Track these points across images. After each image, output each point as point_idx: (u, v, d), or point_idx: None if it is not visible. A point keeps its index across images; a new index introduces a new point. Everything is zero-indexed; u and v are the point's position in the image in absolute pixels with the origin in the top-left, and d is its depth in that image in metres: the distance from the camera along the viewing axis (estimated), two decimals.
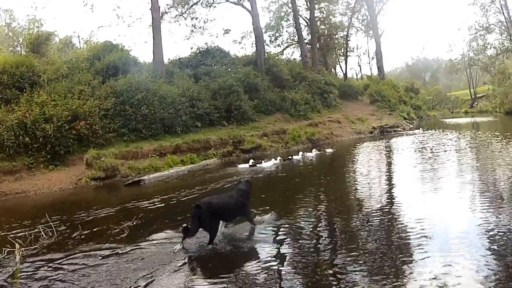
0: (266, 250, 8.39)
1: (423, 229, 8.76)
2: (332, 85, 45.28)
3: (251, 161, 20.71)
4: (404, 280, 6.83)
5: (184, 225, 8.50)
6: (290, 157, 22.19)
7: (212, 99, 30.09)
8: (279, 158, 21.23)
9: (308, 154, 23.28)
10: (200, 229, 8.52)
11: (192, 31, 46.74)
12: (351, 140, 33.03)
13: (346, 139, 33.82)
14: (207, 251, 8.28)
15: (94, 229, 10.45)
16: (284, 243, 8.80)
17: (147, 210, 12.23)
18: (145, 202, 13.39)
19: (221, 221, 8.91)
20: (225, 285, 6.84)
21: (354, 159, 22.13)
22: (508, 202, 10.67)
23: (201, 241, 8.65)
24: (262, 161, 20.82)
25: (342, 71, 66.21)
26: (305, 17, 55.16)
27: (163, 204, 13.07)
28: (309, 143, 29.82)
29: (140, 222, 10.65)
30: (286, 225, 9.73)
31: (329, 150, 24.67)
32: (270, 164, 20.28)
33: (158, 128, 25.00)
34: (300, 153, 22.96)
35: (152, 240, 9.14)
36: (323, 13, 60.74)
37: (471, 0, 67.41)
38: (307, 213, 10.77)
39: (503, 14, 63.09)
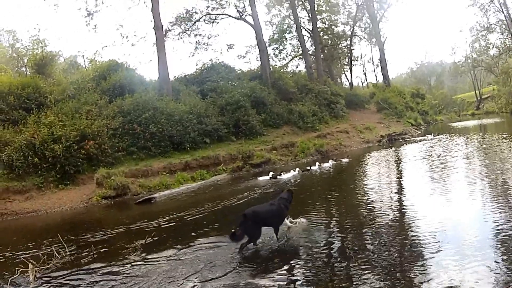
0: (277, 263, 8.48)
1: (436, 240, 8.72)
2: (339, 95, 45.29)
3: (271, 173, 20.83)
4: (416, 283, 6.89)
5: (233, 231, 9.14)
6: (309, 168, 22.37)
7: (220, 115, 30.14)
8: (297, 169, 21.45)
9: (325, 164, 23.20)
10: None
11: (196, 47, 46.90)
12: (359, 149, 32.88)
13: (355, 148, 33.69)
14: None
15: (106, 248, 10.47)
16: (298, 256, 8.86)
17: (159, 229, 12.19)
18: (157, 220, 13.37)
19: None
20: None
21: (366, 169, 22.03)
22: None
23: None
24: (282, 173, 20.98)
25: (348, 80, 66.80)
26: (308, 29, 55.33)
27: (174, 223, 13.03)
28: (318, 155, 29.63)
29: (152, 240, 10.64)
30: (303, 236, 9.90)
31: (345, 160, 24.71)
32: (290, 176, 20.49)
33: (167, 146, 25.08)
34: (317, 163, 23.00)
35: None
36: (325, 23, 61.10)
37: (470, 1, 67.66)
38: (321, 223, 10.88)
39: (503, 13, 63.25)
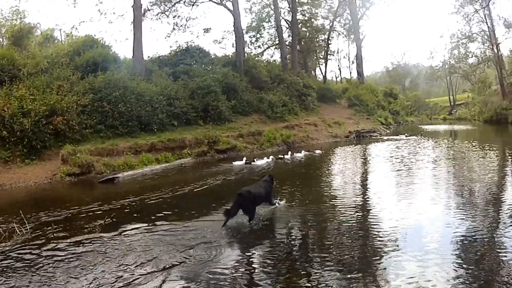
0: (235, 253, 8.84)
1: (396, 240, 9.10)
2: (311, 88, 45.55)
3: (245, 158, 22.04)
4: (379, 283, 7.15)
5: (226, 208, 10.42)
6: (282, 156, 23.55)
7: (190, 98, 30.26)
8: (271, 157, 22.80)
9: (297, 154, 24.46)
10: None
11: (174, 29, 46.66)
12: (326, 143, 33.43)
13: (322, 142, 34.14)
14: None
15: (66, 227, 10.75)
16: (258, 246, 9.26)
17: (119, 210, 12.54)
18: (118, 201, 13.64)
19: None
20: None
21: (334, 162, 23.44)
22: (482, 210, 11.30)
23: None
24: (255, 159, 22.09)
25: (322, 73, 66.80)
26: (287, 19, 55.34)
27: (135, 204, 13.38)
28: (284, 146, 30.17)
29: (111, 221, 11.01)
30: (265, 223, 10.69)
31: (318, 152, 25.80)
32: (264, 162, 21.71)
33: (134, 126, 25.19)
34: (289, 153, 24.21)
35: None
36: (305, 16, 61.01)
37: (453, 9, 67.81)
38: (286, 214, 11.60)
39: (487, 24, 63.04)
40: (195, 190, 15.41)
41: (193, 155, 24.62)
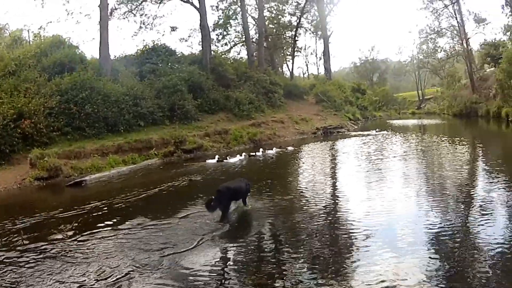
0: (208, 246, 9.21)
1: (369, 233, 9.40)
2: (278, 85, 45.96)
3: (217, 156, 22.87)
4: (351, 279, 7.35)
5: (208, 202, 11.07)
6: (254, 153, 24.47)
7: (156, 98, 30.41)
8: (244, 154, 23.73)
9: (269, 151, 25.48)
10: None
11: (141, 27, 46.63)
12: (294, 140, 33.84)
13: (289, 139, 34.57)
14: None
15: (36, 234, 10.85)
16: (230, 240, 9.76)
17: (86, 214, 12.81)
18: (85, 205, 13.77)
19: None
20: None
21: (304, 158, 24.48)
22: (453, 202, 11.89)
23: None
24: (228, 157, 23.06)
25: (289, 70, 67.15)
26: (254, 17, 55.73)
27: (103, 207, 13.58)
28: (251, 144, 30.64)
29: (78, 225, 11.31)
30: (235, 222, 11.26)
31: (290, 148, 27.14)
32: (236, 160, 22.65)
33: (101, 127, 25.27)
34: (261, 150, 25.18)
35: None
36: (272, 12, 61.63)
37: (422, 4, 68.35)
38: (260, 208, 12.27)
39: (456, 19, 63.73)
40: (164, 191, 15.81)
41: (160, 155, 24.84)
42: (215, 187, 11.78)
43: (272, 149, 25.96)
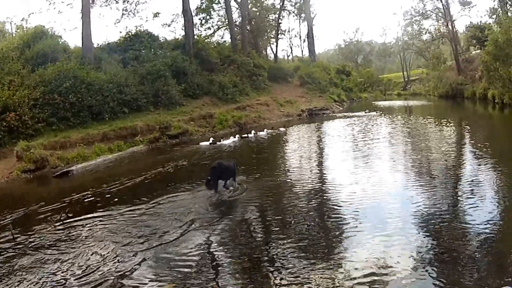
0: (194, 231, 9.34)
1: (358, 217, 9.49)
2: (262, 68, 46.08)
3: (211, 139, 23.66)
4: (339, 261, 7.43)
5: (207, 180, 12.13)
6: (246, 135, 25.31)
7: (140, 84, 30.48)
8: (237, 136, 24.66)
9: (260, 133, 26.46)
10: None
11: (123, 14, 45.87)
12: (279, 123, 33.99)
13: (274, 122, 34.79)
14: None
15: (26, 227, 10.93)
16: (217, 223, 9.90)
17: (74, 204, 12.95)
18: (72, 196, 13.87)
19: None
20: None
21: (292, 139, 25.19)
22: (440, 184, 12.03)
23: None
24: (222, 139, 23.87)
25: (273, 53, 66.68)
26: (237, 0, 54.71)
27: (90, 196, 13.77)
28: (236, 127, 31.02)
29: (67, 216, 11.45)
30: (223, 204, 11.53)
31: (282, 129, 28.10)
32: (230, 141, 23.58)
33: (86, 116, 25.29)
34: (253, 131, 26.01)
35: None
36: None
37: None
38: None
39: (441, 1, 63.44)
40: (149, 178, 15.96)
41: (146, 142, 25.07)
42: (201, 172, 12.70)
43: (263, 131, 26.71)
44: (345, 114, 39.24)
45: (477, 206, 9.72)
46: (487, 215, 9.08)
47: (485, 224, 8.57)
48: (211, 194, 11.97)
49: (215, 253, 8.49)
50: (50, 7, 41.08)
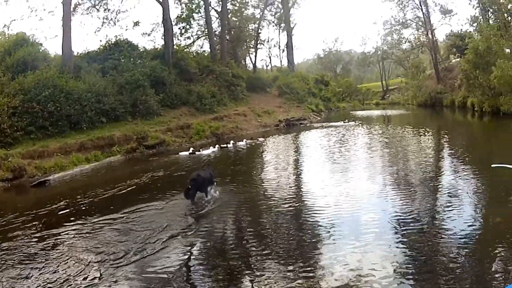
0: (171, 248, 9.20)
1: (335, 225, 9.71)
2: (240, 78, 46.65)
3: (191, 149, 24.03)
4: (317, 270, 7.57)
5: (187, 190, 12.41)
6: (226, 145, 25.81)
7: (118, 94, 30.60)
8: (217, 146, 25.15)
9: (240, 143, 26.95)
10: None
11: (104, 23, 46.25)
12: (256, 133, 34.37)
13: (252, 132, 35.19)
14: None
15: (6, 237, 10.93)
16: (196, 235, 9.95)
17: (51, 214, 13.07)
18: (49, 206, 14.01)
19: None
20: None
21: (270, 149, 25.70)
22: (418, 193, 12.40)
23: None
24: (201, 149, 24.32)
25: (252, 63, 67.29)
26: (217, 10, 55.38)
27: (65, 208, 13.77)
28: (214, 137, 31.20)
29: (44, 227, 11.57)
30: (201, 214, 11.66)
31: (261, 139, 28.64)
32: (210, 151, 23.95)
33: (64, 125, 25.30)
34: (232, 141, 26.56)
35: None
36: (235, 5, 61.57)
37: None
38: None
39: (422, 10, 64.79)
40: (124, 188, 16.13)
41: (123, 152, 25.20)
42: (178, 182, 13.36)
43: (242, 141, 27.31)
44: (323, 124, 39.86)
45: (456, 215, 9.97)
46: (465, 223, 9.31)
47: (464, 233, 8.80)
48: (188, 205, 12.32)
49: (190, 264, 8.52)
50: (32, 14, 41.27)
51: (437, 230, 9.23)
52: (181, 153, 24.13)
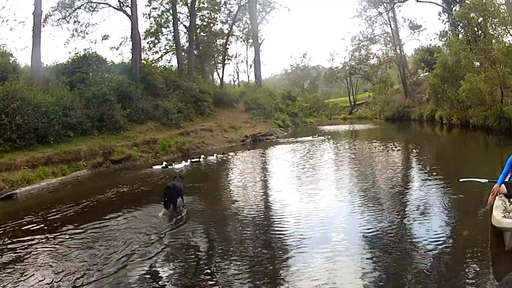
0: (136, 260, 9.19)
1: (303, 238, 9.79)
2: (207, 93, 47.27)
3: (164, 163, 24.62)
4: (285, 283, 7.63)
5: (163, 201, 12.97)
6: (198, 159, 26.38)
7: (85, 108, 30.66)
8: (189, 160, 25.78)
9: (210, 157, 27.53)
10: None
11: (73, 35, 46.90)
12: (222, 148, 34.58)
13: (218, 147, 35.46)
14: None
15: None
16: (161, 250, 9.86)
17: (17, 229, 13.02)
18: (18, 220, 14.08)
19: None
20: None
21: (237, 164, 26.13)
22: (386, 207, 12.56)
23: None
24: (173, 163, 24.85)
25: (219, 78, 68.23)
26: (186, 25, 56.25)
27: (34, 220, 13.87)
28: (180, 153, 31.65)
29: (10, 241, 11.53)
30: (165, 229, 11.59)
31: (231, 153, 29.44)
32: (182, 166, 24.47)
33: (31, 138, 25.11)
34: (202, 156, 27.27)
35: None
36: (204, 21, 62.56)
37: (356, 12, 70.90)
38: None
39: (390, 26, 67.09)
40: (90, 204, 16.17)
41: (89, 166, 25.35)
42: (145, 196, 14.44)
43: (213, 155, 27.89)
44: (289, 139, 40.58)
45: (423, 229, 10.05)
46: (433, 237, 9.38)
47: (431, 246, 8.88)
48: (154, 221, 12.51)
49: (153, 283, 8.28)
50: (2, 24, 41.31)
51: (405, 241, 9.42)
52: (154, 167, 24.65)
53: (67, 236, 11.68)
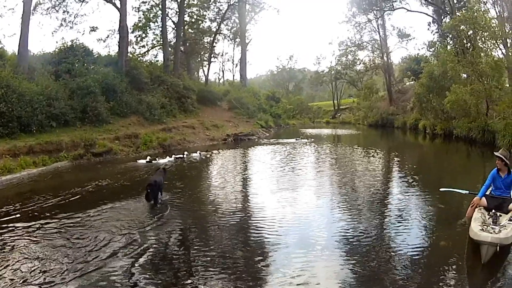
0: (115, 264, 8.89)
1: (281, 239, 9.97)
2: (191, 90, 47.51)
3: (148, 157, 25.20)
4: (262, 282, 7.77)
5: (146, 193, 13.70)
6: (181, 156, 26.82)
7: (69, 99, 30.75)
8: (173, 156, 26.35)
9: (193, 154, 28.26)
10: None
11: (61, 25, 46.77)
12: (204, 146, 34.86)
13: (199, 145, 35.71)
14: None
15: None
16: (140, 251, 9.59)
17: None
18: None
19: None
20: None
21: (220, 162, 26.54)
22: (365, 214, 12.69)
23: None
24: (157, 158, 25.51)
25: (205, 75, 67.94)
26: (174, 21, 56.36)
27: (15, 211, 13.75)
28: (161, 148, 31.87)
29: None
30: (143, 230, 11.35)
31: (215, 152, 29.97)
32: (166, 161, 24.97)
33: (14, 127, 25.05)
34: (186, 153, 27.67)
35: None
36: (192, 17, 62.64)
37: (345, 18, 72.12)
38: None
39: (379, 33, 67.81)
40: (72, 196, 16.10)
41: (70, 158, 25.43)
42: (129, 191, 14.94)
43: (196, 153, 28.57)
44: (271, 140, 40.87)
45: (401, 238, 10.14)
46: (410, 246, 9.47)
47: (411, 247, 9.27)
48: (133, 217, 12.56)
49: (131, 283, 8.07)
50: None
51: (384, 244, 9.65)
52: (138, 161, 25.10)
53: (43, 229, 11.63)
